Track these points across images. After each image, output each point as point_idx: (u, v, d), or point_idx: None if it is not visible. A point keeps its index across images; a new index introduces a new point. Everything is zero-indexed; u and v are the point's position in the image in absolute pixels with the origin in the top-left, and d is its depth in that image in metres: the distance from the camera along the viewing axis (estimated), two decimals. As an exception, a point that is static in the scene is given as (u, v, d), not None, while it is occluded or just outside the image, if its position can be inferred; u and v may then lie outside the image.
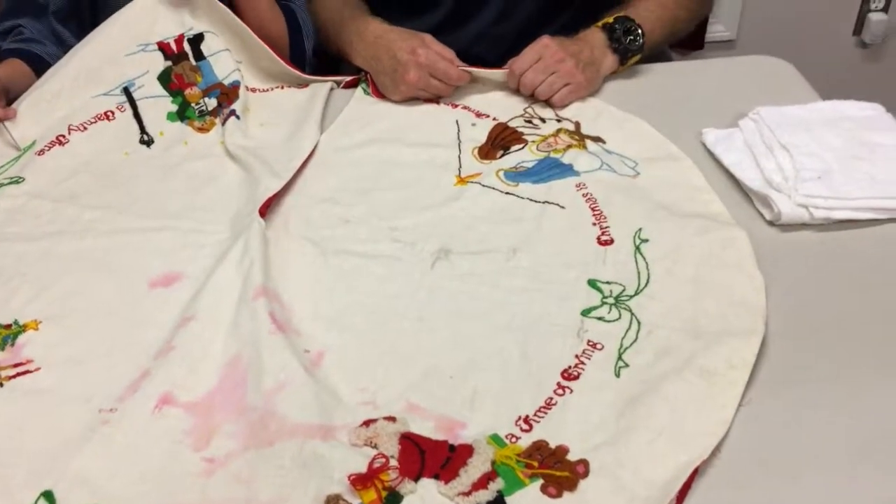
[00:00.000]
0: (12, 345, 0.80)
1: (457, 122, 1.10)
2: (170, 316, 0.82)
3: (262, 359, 0.75)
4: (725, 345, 0.73)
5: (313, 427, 0.69)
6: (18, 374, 0.77)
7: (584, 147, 1.03)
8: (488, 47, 1.23)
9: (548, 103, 1.11)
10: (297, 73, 1.20)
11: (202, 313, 0.80)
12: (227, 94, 1.16)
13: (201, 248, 0.91)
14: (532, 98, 1.12)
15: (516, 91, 1.13)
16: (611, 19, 1.14)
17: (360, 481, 0.64)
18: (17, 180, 1.03)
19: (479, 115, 1.11)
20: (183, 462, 0.68)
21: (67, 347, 0.80)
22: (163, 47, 1.18)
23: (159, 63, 1.18)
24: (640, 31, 1.14)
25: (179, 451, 0.69)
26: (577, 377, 0.73)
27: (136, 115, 1.13)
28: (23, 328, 0.81)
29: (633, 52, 1.14)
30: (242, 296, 0.82)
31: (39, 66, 1.20)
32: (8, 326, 0.82)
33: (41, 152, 1.08)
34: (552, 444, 0.67)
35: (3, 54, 1.21)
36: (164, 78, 1.17)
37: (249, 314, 0.79)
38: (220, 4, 1.19)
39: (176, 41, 1.19)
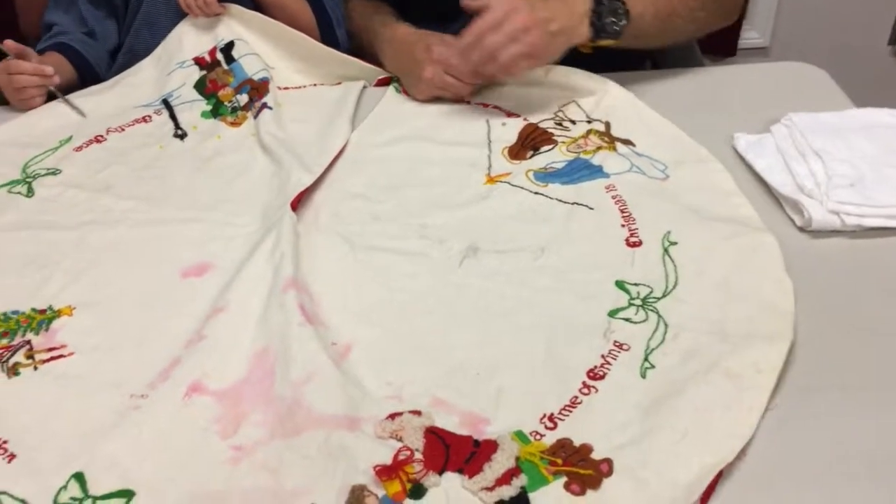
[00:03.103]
0: (46, 330, 0.81)
1: (487, 121, 1.11)
2: (201, 306, 0.83)
3: (290, 350, 0.76)
4: (753, 349, 0.73)
5: (340, 418, 0.70)
6: (52, 359, 0.78)
7: (614, 149, 1.03)
8: None
9: (502, 71, 1.05)
10: (334, 51, 1.23)
11: (233, 304, 0.81)
12: (258, 88, 1.18)
13: (232, 240, 0.92)
14: (562, 100, 1.12)
15: (547, 91, 1.12)
16: None
17: (385, 472, 0.65)
18: (53, 171, 1.05)
19: (509, 114, 1.12)
20: (211, 449, 0.69)
21: (100, 334, 0.81)
22: (198, 61, 1.23)
23: (195, 74, 1.22)
24: (625, 17, 1.06)
25: (208, 439, 0.70)
26: (602, 377, 0.73)
27: (172, 116, 1.16)
28: (57, 314, 0.83)
29: (608, 34, 1.06)
30: (273, 287, 0.83)
31: (70, 55, 1.25)
32: (43, 311, 0.83)
33: (79, 148, 1.10)
34: (576, 443, 0.67)
35: (43, 50, 1.25)
36: (200, 85, 1.21)
37: (279, 305, 0.80)
38: (248, 10, 1.24)
39: (209, 53, 1.24)
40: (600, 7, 1.05)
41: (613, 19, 1.06)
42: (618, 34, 1.06)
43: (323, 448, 0.67)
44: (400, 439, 0.68)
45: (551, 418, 0.70)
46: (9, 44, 1.15)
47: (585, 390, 0.72)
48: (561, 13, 1.04)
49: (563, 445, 0.67)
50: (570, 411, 0.70)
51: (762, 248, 0.85)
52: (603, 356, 0.75)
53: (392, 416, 0.70)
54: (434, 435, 0.68)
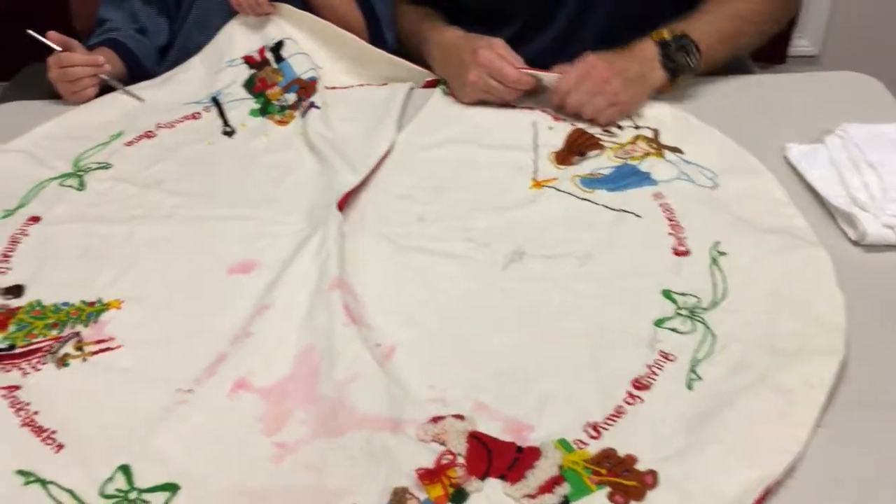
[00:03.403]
0: (96, 322, 0.82)
1: (534, 124, 1.10)
2: (247, 303, 0.83)
3: (334, 349, 0.76)
4: (804, 363, 0.72)
5: (383, 420, 0.70)
6: (101, 351, 0.79)
7: (662, 156, 1.02)
8: (560, 61, 1.22)
9: (592, 123, 1.09)
10: (382, 52, 1.24)
11: (279, 302, 0.82)
12: (306, 87, 1.19)
13: (278, 238, 0.93)
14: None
15: None
16: (667, 35, 1.10)
17: (428, 476, 0.65)
18: (104, 165, 1.07)
19: (556, 118, 1.11)
20: (255, 446, 0.69)
21: (148, 328, 0.82)
22: (247, 60, 1.24)
23: (244, 73, 1.23)
24: (695, 49, 1.09)
25: (252, 436, 0.70)
26: (648, 387, 0.73)
27: (221, 113, 1.17)
28: (106, 306, 0.84)
29: (684, 70, 1.10)
30: (318, 287, 0.83)
31: (121, 50, 1.27)
32: (92, 304, 0.84)
33: (129, 143, 1.12)
34: (621, 453, 0.66)
35: (94, 45, 1.27)
36: (249, 83, 1.22)
37: (324, 305, 0.80)
38: (298, 10, 1.24)
39: (259, 52, 1.24)
40: (667, 49, 1.09)
41: (685, 55, 1.09)
42: (692, 68, 1.10)
43: (366, 449, 0.67)
44: (443, 443, 0.68)
45: (595, 427, 0.69)
46: (53, 36, 1.16)
47: (630, 400, 0.71)
48: (633, 61, 1.09)
49: (608, 455, 0.66)
50: (615, 421, 0.70)
51: (814, 261, 0.83)
52: (648, 366, 0.74)
53: (435, 420, 0.70)
54: (477, 440, 0.68)
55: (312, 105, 1.14)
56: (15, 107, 1.25)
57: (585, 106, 1.08)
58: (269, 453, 0.69)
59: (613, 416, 0.70)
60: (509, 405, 0.72)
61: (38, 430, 0.71)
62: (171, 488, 0.65)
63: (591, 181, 0.99)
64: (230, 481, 0.67)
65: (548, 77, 1.10)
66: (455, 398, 0.73)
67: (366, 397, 0.72)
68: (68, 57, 1.17)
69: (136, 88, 1.23)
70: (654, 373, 0.74)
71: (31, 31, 1.17)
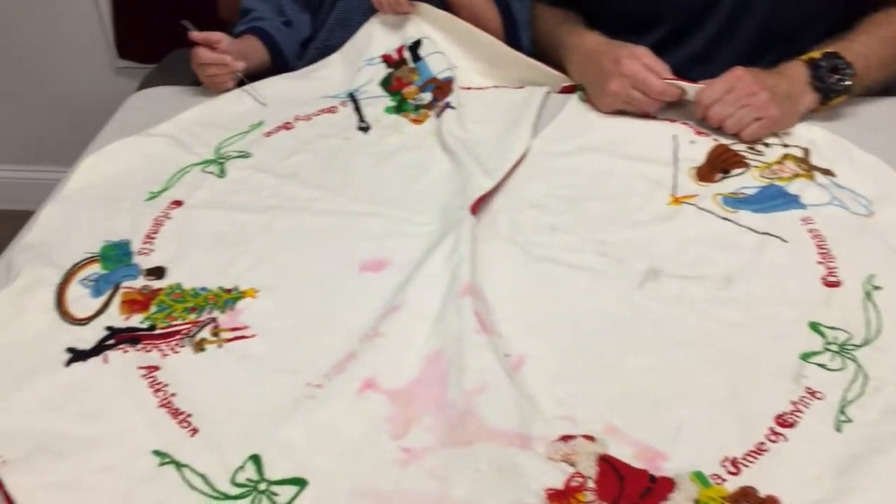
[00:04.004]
0: (232, 309, 0.84)
1: (674, 138, 1.06)
2: (377, 302, 0.83)
3: (464, 357, 0.75)
4: (969, 414, 0.67)
5: (512, 434, 0.68)
6: (236, 338, 0.81)
7: (812, 178, 0.97)
8: (706, 70, 1.17)
9: (736, 138, 1.04)
10: (520, 54, 1.22)
11: (409, 304, 0.82)
12: (442, 87, 1.19)
13: (410, 238, 0.92)
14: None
15: None
16: (817, 54, 1.05)
17: (557, 497, 0.63)
18: (244, 154, 1.09)
19: (699, 132, 1.07)
20: (381, 448, 0.69)
21: (280, 319, 0.83)
22: (385, 59, 1.25)
23: (382, 71, 1.24)
24: (848, 70, 1.03)
25: (378, 437, 0.70)
26: (792, 425, 0.69)
27: (357, 109, 1.18)
28: (242, 294, 0.86)
29: (837, 92, 1.04)
30: (449, 291, 0.82)
31: (266, 40, 1.30)
32: (229, 291, 0.86)
33: (268, 133, 1.14)
34: (762, 493, 0.63)
35: (239, 34, 1.30)
36: (386, 82, 1.23)
37: (455, 310, 0.80)
38: (436, 9, 1.24)
39: (397, 51, 1.25)
40: (818, 70, 1.04)
41: (837, 77, 1.04)
42: (847, 89, 1.04)
43: (494, 462, 0.66)
44: (572, 464, 0.66)
45: (734, 463, 0.66)
46: (195, 35, 1.19)
47: (773, 437, 0.68)
48: (783, 80, 1.04)
49: (747, 494, 0.63)
50: (756, 458, 0.66)
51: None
52: (793, 402, 0.71)
53: (564, 439, 0.68)
54: (608, 464, 0.66)
55: (448, 105, 1.13)
56: (160, 92, 1.29)
57: (729, 118, 1.03)
58: (395, 457, 0.68)
59: (754, 452, 0.67)
60: (642, 430, 0.69)
61: (175, 413, 0.72)
62: (300, 483, 0.66)
63: (735, 201, 0.95)
64: (355, 481, 0.67)
65: (694, 88, 1.06)
66: (585, 418, 0.71)
67: (495, 410, 0.70)
68: (204, 54, 1.20)
69: (274, 79, 1.25)
70: (800, 410, 0.70)
71: (184, 22, 1.20)
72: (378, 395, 0.73)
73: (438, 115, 1.13)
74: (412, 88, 1.20)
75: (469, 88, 1.21)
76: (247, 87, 1.22)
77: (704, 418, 0.70)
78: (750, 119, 1.03)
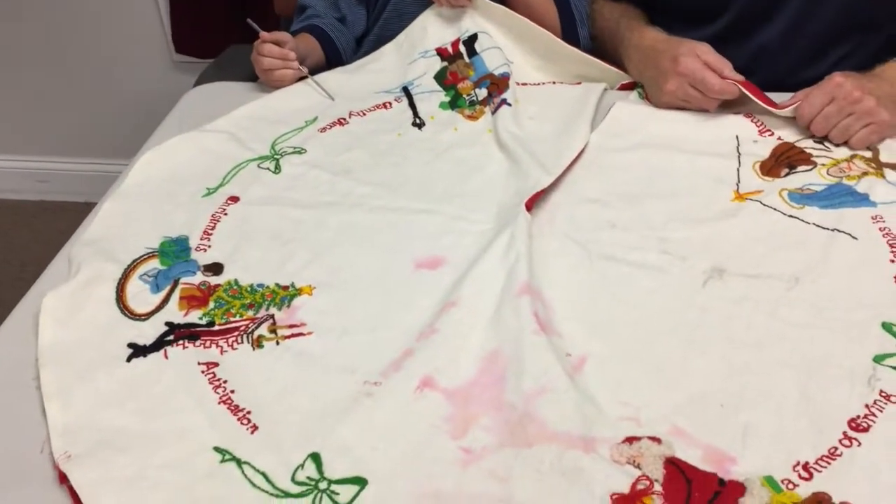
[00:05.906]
0: (288, 306, 0.84)
1: (736, 135, 1.04)
2: (433, 300, 0.82)
3: (523, 358, 0.74)
4: None
5: (574, 438, 0.67)
6: (293, 336, 0.80)
7: (882, 175, 0.94)
8: (772, 64, 1.14)
9: (846, 146, 1.00)
10: (577, 50, 1.21)
11: (465, 301, 0.81)
12: (497, 83, 1.17)
13: (465, 236, 0.92)
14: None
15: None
16: None
17: (623, 502, 0.61)
18: (299, 150, 1.09)
19: (761, 132, 1.04)
20: (440, 448, 0.68)
21: (337, 316, 0.82)
22: (440, 52, 1.23)
23: (436, 65, 1.23)
24: None
25: (437, 437, 0.69)
26: (866, 429, 0.66)
27: (412, 105, 1.17)
28: (299, 291, 0.85)
29: None
30: (505, 289, 0.81)
31: (323, 39, 1.30)
32: (286, 288, 0.86)
33: (323, 129, 1.13)
34: (836, 499, 0.61)
35: (296, 32, 1.30)
36: (440, 76, 1.21)
37: (513, 310, 0.78)
38: (493, 3, 1.23)
39: (452, 44, 1.24)
40: None
41: None
42: None
43: (556, 465, 0.65)
44: (638, 466, 0.65)
45: (806, 467, 0.64)
46: (266, 36, 1.20)
47: (847, 442, 0.65)
48: (884, 82, 1.00)
49: (821, 500, 0.61)
50: (829, 463, 0.64)
51: None
52: (867, 406, 0.68)
53: (629, 440, 0.67)
54: (675, 467, 0.64)
55: (504, 102, 1.12)
56: (217, 87, 1.30)
57: (836, 130, 0.99)
58: (455, 457, 0.67)
59: (827, 457, 0.65)
60: (709, 433, 0.67)
61: (235, 409, 0.72)
62: (361, 483, 0.65)
63: (801, 197, 0.92)
64: (415, 482, 0.66)
65: (760, 104, 1.03)
66: (650, 419, 0.69)
67: (556, 413, 0.69)
68: (266, 47, 1.20)
69: (328, 74, 1.25)
70: (874, 414, 0.68)
71: (250, 21, 1.21)
72: (436, 393, 0.72)
73: (494, 111, 1.12)
74: (467, 84, 1.18)
75: (525, 84, 1.20)
76: (310, 81, 1.22)
77: (774, 421, 0.68)
78: (858, 126, 0.98)
